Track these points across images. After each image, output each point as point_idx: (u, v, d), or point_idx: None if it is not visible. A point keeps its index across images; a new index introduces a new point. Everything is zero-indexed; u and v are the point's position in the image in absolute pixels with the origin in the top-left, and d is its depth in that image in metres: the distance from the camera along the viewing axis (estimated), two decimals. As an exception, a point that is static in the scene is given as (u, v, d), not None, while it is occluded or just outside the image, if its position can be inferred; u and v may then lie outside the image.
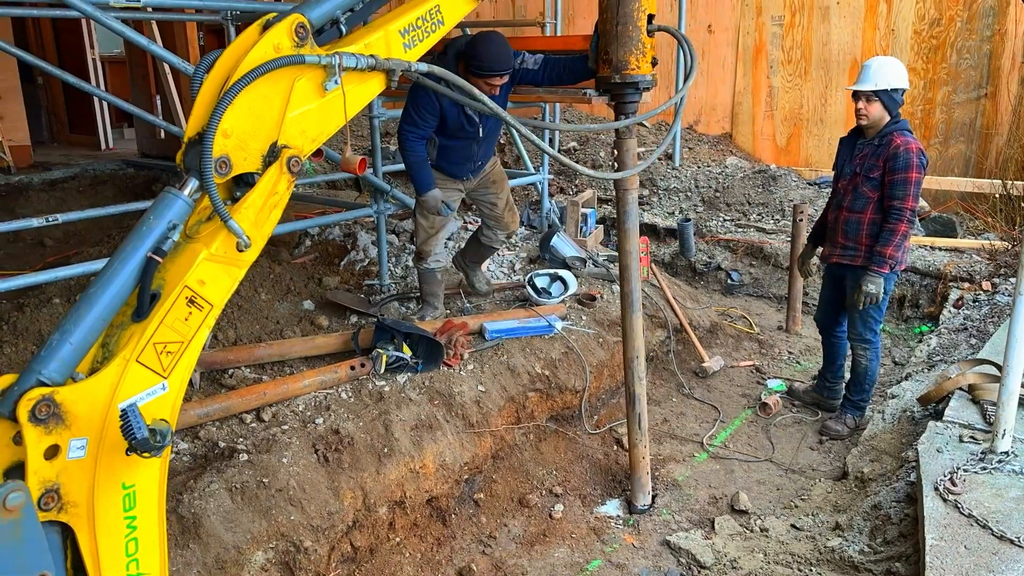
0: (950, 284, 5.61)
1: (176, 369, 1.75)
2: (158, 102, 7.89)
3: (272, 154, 1.90)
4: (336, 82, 1.99)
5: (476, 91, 2.41)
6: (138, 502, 1.73)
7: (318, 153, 2.10)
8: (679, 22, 7.52)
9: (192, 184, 1.82)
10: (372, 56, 2.08)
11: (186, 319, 1.75)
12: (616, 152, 3.22)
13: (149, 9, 5.20)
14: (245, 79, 1.80)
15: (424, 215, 4.14)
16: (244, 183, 1.92)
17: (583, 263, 5.24)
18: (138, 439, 1.56)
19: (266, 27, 1.91)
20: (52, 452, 1.57)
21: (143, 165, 7.65)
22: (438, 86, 2.41)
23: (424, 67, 2.23)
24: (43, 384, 1.57)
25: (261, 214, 1.89)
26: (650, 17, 3.04)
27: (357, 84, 2.09)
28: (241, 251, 1.84)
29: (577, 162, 8.18)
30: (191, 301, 1.75)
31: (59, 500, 1.60)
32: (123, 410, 1.62)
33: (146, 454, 1.59)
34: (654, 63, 3.09)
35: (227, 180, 1.88)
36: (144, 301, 1.70)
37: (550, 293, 4.79)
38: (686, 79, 3.04)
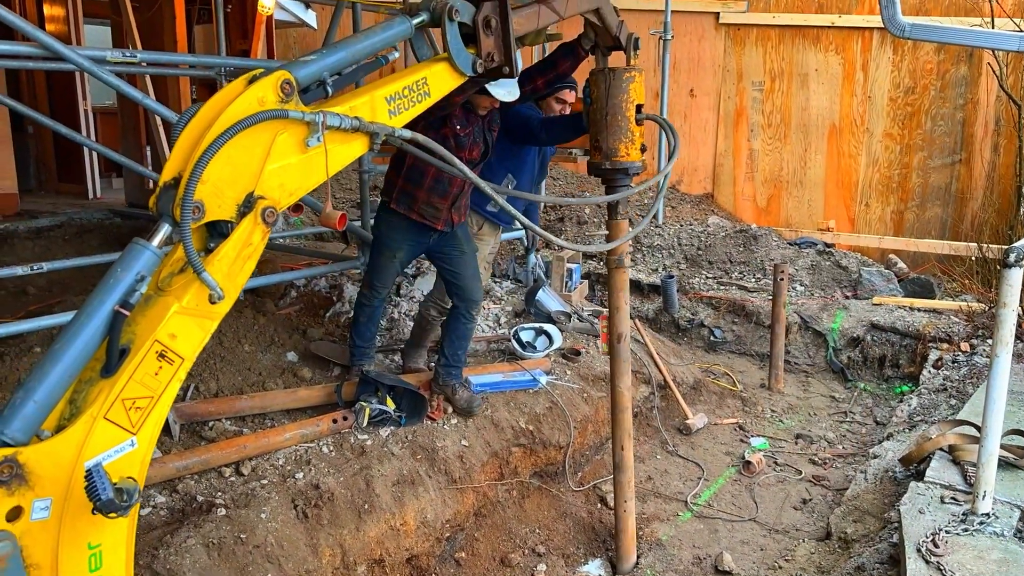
0: (929, 345, 5.68)
1: (145, 425, 1.70)
2: (148, 153, 7.95)
3: (247, 204, 1.89)
4: (319, 139, 2.00)
5: (456, 160, 2.43)
6: (104, 562, 1.67)
7: (297, 208, 2.11)
8: (662, 87, 7.73)
9: (164, 230, 1.79)
10: (357, 118, 2.10)
11: (156, 374, 1.71)
12: (608, 231, 3.34)
13: (144, 64, 5.29)
14: (232, 130, 1.80)
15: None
16: (217, 234, 1.90)
17: (568, 318, 5.27)
18: (103, 500, 1.52)
19: (252, 81, 1.93)
20: (15, 514, 1.53)
21: (131, 215, 7.65)
22: (421, 153, 2.41)
23: (408, 134, 2.26)
24: (5, 444, 1.53)
25: (235, 265, 1.86)
26: (638, 107, 3.16)
27: (340, 144, 2.10)
28: (214, 303, 1.80)
29: (563, 219, 8.29)
30: (161, 355, 1.72)
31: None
32: (88, 470, 1.57)
33: (112, 514, 1.55)
34: (643, 149, 3.22)
35: (200, 231, 1.86)
36: (112, 356, 1.66)
37: (535, 347, 4.80)
38: (670, 158, 3.15)
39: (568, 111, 4.12)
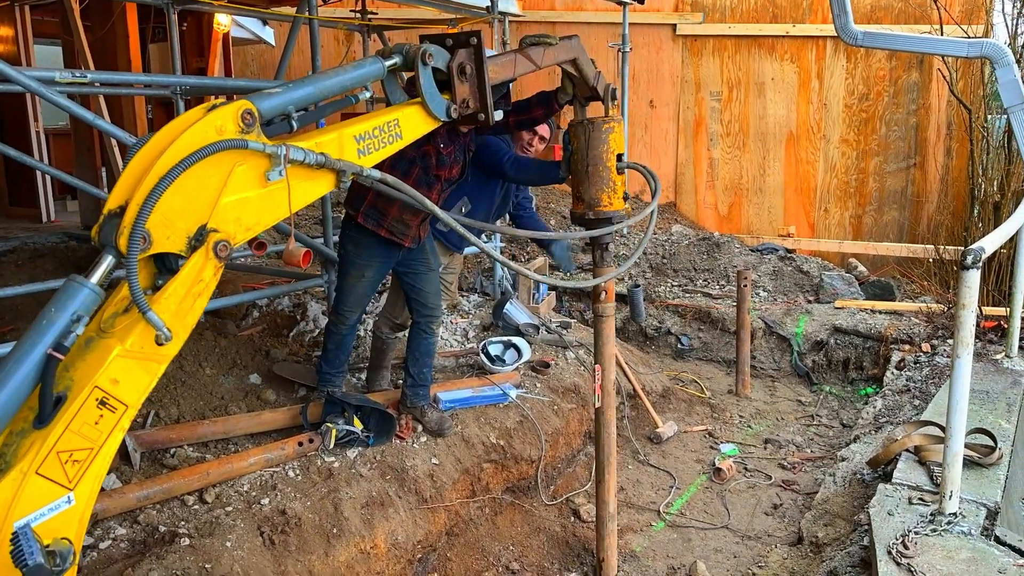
0: (891, 346, 5.78)
1: (84, 480, 1.57)
2: (103, 175, 7.78)
3: (199, 237, 1.78)
4: (280, 173, 1.91)
5: (425, 200, 2.38)
6: None
7: (261, 246, 2.04)
8: (622, 99, 7.79)
9: (106, 263, 1.67)
10: (323, 154, 2.01)
11: (96, 423, 1.58)
12: (594, 274, 3.34)
13: (97, 84, 5.18)
14: (189, 158, 1.71)
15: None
16: (166, 270, 1.79)
17: (536, 330, 5.25)
18: (30, 566, 1.40)
19: (212, 109, 1.84)
20: None
21: (86, 238, 7.48)
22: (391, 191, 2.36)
23: (377, 174, 2.20)
24: None
25: (184, 303, 1.74)
26: (619, 156, 3.17)
27: (304, 180, 2.02)
28: (161, 344, 1.67)
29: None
30: (102, 403, 1.59)
31: None
32: (14, 533, 1.45)
33: None
34: (626, 197, 3.23)
35: (148, 268, 1.76)
36: (46, 404, 1.53)
37: (504, 361, 4.76)
38: (652, 197, 3.20)
39: (537, 144, 4.15)
